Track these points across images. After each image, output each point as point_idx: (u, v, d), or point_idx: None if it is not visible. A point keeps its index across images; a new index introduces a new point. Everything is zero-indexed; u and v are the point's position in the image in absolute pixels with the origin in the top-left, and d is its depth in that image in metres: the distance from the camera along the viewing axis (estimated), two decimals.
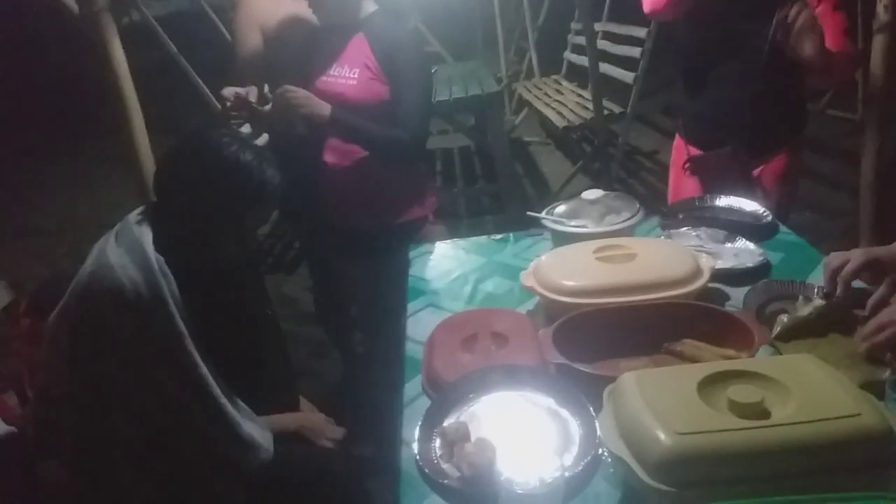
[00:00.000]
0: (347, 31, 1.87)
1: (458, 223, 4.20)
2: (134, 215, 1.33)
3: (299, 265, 3.67)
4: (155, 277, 1.23)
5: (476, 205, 4.50)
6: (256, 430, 1.34)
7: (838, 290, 1.19)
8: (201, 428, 1.27)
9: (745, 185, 1.88)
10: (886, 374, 1.02)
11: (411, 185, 2.01)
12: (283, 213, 2.46)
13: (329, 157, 1.91)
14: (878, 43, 1.84)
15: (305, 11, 1.90)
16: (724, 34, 1.81)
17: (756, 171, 1.93)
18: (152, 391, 1.24)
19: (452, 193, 4.47)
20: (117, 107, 1.78)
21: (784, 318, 1.24)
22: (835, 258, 1.21)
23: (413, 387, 1.23)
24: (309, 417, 1.55)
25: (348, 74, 1.84)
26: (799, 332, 1.22)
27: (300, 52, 1.96)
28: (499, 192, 4.18)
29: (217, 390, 1.28)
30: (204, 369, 1.26)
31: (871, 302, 1.14)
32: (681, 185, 2.08)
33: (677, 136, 2.11)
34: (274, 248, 4.06)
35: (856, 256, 1.19)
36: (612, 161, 4.49)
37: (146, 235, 1.27)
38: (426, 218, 2.03)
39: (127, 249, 1.25)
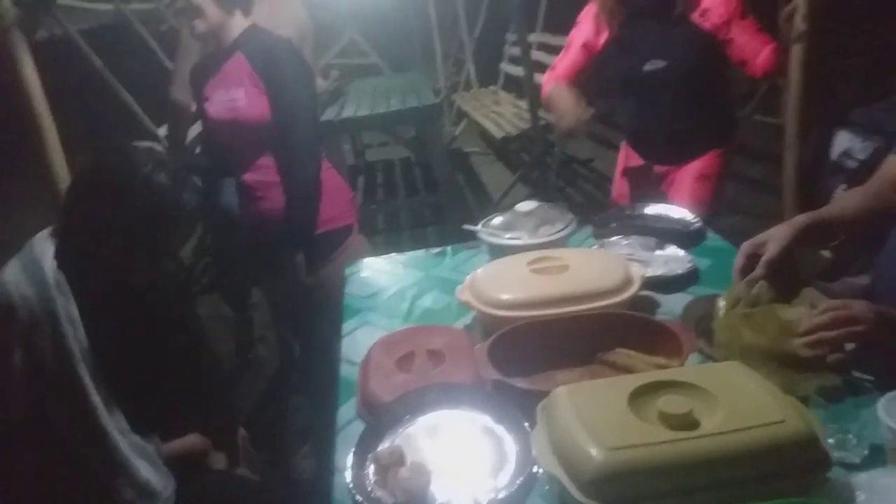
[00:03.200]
0: (225, 52, 1.86)
1: (400, 235, 4.19)
2: (41, 234, 1.27)
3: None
4: (48, 292, 1.17)
5: (418, 216, 4.49)
6: (155, 475, 1.26)
7: (758, 275, 1.21)
8: (90, 465, 1.20)
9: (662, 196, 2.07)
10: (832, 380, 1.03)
11: (329, 193, 1.97)
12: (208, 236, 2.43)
13: (247, 176, 1.90)
14: (797, 51, 1.91)
15: None
16: (631, 76, 2.07)
17: (672, 176, 2.13)
18: (41, 420, 1.17)
19: (394, 205, 4.45)
20: (29, 127, 1.69)
21: (720, 299, 1.24)
22: (750, 242, 1.24)
23: (348, 410, 1.20)
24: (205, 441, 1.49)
25: (234, 96, 1.83)
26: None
27: (194, 77, 1.95)
28: (440, 203, 4.19)
29: (108, 424, 1.21)
30: (95, 398, 1.19)
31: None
32: (620, 189, 2.28)
33: (623, 142, 2.31)
34: (209, 267, 3.94)
35: (774, 239, 1.22)
36: (550, 170, 4.55)
37: (47, 251, 1.22)
38: (350, 227, 2.01)
39: (24, 266, 1.20)
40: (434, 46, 6.63)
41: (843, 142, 2.00)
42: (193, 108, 2.12)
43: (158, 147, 1.38)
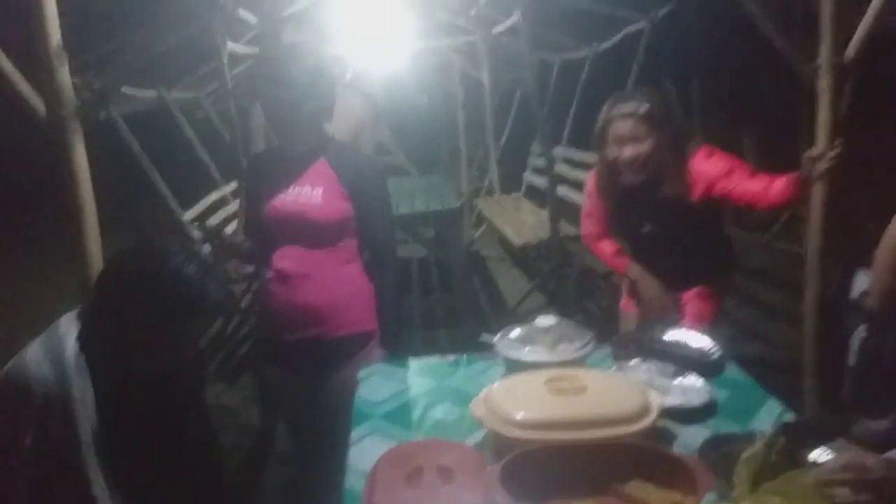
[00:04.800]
0: (310, 156, 1.94)
1: (413, 335, 4.18)
2: (68, 314, 1.30)
3: (241, 374, 3.55)
4: (66, 374, 1.19)
5: (431, 317, 4.49)
6: None
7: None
8: None
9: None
10: None
11: (358, 295, 2.00)
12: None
13: (282, 264, 1.93)
14: (818, 189, 1.97)
15: None
16: (631, 236, 2.31)
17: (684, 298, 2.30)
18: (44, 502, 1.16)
19: (408, 304, 4.47)
20: (72, 212, 1.75)
21: (741, 467, 1.21)
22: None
23: None
24: None
25: (311, 193, 1.89)
26: (762, 479, 1.19)
27: (263, 167, 2.02)
28: (455, 305, 4.21)
29: None
30: (98, 488, 1.18)
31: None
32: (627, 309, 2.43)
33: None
34: (216, 355, 3.94)
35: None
36: (567, 281, 4.58)
37: (71, 332, 1.24)
38: (373, 332, 2.01)
39: (46, 345, 1.23)
40: (460, 151, 6.87)
41: (863, 282, 2.02)
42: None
43: (192, 237, 1.43)
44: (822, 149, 1.92)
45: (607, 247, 2.38)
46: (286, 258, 1.93)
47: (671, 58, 5.24)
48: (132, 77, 3.28)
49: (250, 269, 2.06)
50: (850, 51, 1.81)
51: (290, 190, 1.91)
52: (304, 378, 1.99)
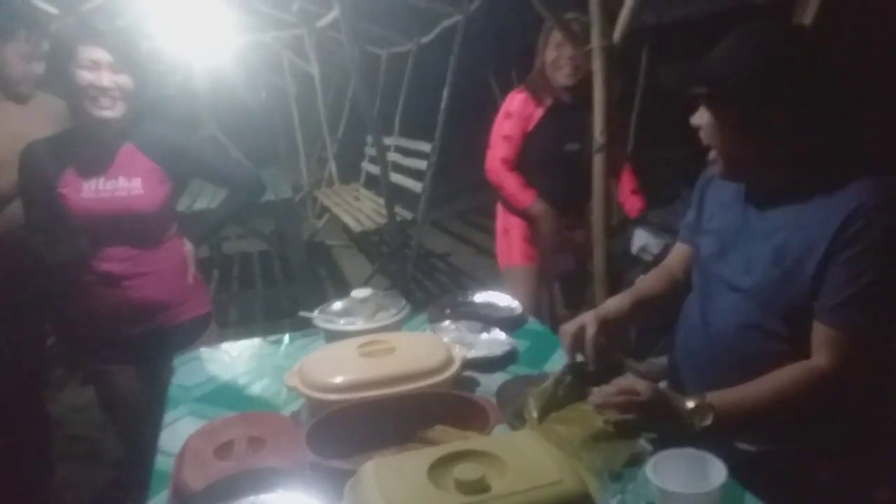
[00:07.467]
0: (115, 142, 1.83)
1: (254, 327, 4.11)
2: None
3: (68, 382, 3.33)
4: None
5: (274, 308, 4.44)
6: None
7: (590, 360, 1.33)
8: None
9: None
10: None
11: (187, 284, 1.98)
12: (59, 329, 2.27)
13: (108, 267, 1.84)
14: (598, 161, 2.19)
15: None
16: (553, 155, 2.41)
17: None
18: None
19: (249, 296, 4.38)
20: None
21: (531, 401, 1.35)
22: (570, 326, 1.37)
23: (159, 502, 1.16)
24: None
25: (129, 186, 1.80)
26: (550, 410, 1.33)
27: (51, 163, 1.86)
28: (297, 295, 4.18)
29: None
30: None
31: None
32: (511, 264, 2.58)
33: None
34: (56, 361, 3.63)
35: (590, 322, 1.36)
36: (407, 262, 4.71)
37: None
38: (209, 316, 2.00)
39: None
40: (297, 144, 6.78)
41: (641, 239, 2.30)
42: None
43: None
44: (598, 124, 2.13)
45: (516, 178, 2.40)
46: (112, 260, 1.83)
47: (491, 51, 5.51)
48: None
49: None
50: (616, 35, 2.03)
51: (100, 183, 1.80)
52: (143, 368, 1.93)
